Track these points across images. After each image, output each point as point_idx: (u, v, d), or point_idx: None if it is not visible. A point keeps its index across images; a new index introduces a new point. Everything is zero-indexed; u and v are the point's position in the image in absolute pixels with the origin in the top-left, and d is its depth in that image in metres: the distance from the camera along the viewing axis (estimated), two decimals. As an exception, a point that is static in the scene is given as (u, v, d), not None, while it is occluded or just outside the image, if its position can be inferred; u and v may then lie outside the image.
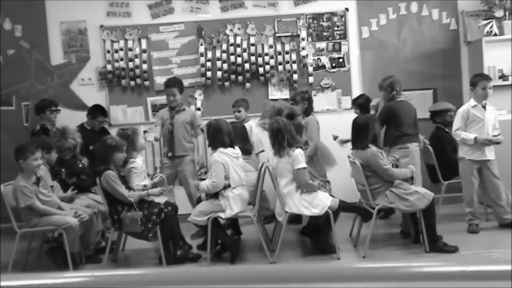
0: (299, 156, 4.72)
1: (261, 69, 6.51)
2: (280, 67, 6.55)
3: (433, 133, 5.95)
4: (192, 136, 5.91)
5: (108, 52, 6.54)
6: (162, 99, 6.51)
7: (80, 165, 5.45)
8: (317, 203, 4.70)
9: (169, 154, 5.82)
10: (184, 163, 5.81)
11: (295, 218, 5.21)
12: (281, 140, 4.74)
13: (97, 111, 6.20)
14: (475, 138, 5.13)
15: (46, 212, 4.71)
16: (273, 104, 5.74)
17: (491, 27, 6.20)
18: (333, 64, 6.65)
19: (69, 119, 6.11)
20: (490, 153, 5.23)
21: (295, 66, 6.57)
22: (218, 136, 4.83)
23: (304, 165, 4.72)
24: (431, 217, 4.71)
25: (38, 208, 4.68)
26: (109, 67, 6.54)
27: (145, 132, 6.54)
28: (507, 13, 6.18)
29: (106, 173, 4.69)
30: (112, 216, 4.79)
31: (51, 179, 5.15)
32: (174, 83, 5.80)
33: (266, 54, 6.53)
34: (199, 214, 4.83)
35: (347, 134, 5.19)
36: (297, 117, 5.44)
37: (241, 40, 6.55)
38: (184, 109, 5.89)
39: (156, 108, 6.54)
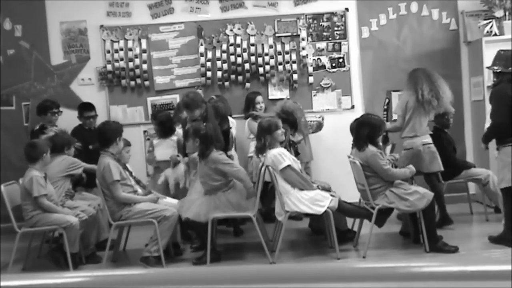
0: (277, 157, 4.68)
1: (261, 69, 6.51)
2: (280, 67, 6.54)
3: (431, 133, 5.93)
4: None
5: (108, 52, 6.54)
6: (162, 99, 6.52)
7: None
8: (317, 202, 4.69)
9: None
10: None
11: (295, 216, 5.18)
12: (264, 141, 4.77)
13: (81, 108, 6.18)
14: None
15: (49, 209, 4.72)
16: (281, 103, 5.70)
17: (491, 27, 6.20)
18: (333, 64, 6.65)
19: (69, 119, 6.12)
20: None
21: (295, 66, 6.57)
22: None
23: (287, 163, 4.66)
24: (431, 217, 4.71)
25: (44, 203, 4.69)
26: (109, 67, 6.54)
27: (145, 132, 6.56)
28: (507, 13, 6.18)
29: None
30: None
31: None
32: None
33: (266, 54, 6.52)
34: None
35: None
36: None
37: (241, 40, 6.54)
38: None
39: (156, 108, 6.52)
